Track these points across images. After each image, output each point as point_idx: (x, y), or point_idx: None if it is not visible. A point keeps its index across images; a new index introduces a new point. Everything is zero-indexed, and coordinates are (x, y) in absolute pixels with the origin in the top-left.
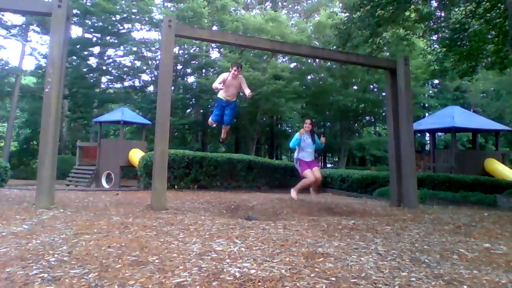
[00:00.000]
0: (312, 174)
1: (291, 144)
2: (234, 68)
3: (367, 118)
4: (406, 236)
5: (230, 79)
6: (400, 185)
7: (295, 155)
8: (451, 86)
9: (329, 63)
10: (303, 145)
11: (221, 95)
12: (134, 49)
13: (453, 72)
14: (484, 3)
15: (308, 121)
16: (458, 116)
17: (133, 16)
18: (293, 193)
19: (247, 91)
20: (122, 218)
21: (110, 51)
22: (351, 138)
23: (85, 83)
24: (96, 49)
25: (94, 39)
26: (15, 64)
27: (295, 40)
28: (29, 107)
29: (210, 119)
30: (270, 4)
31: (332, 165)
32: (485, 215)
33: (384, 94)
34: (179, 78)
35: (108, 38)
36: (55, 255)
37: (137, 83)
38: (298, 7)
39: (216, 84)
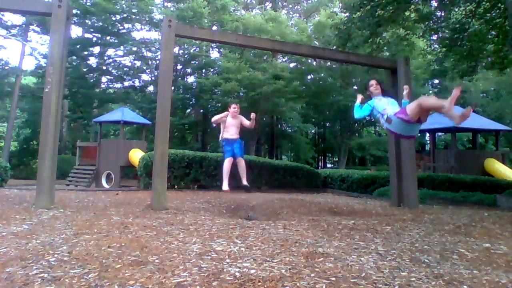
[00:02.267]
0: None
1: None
2: (233, 106)
3: (367, 118)
4: (406, 236)
5: (230, 120)
6: (400, 185)
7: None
8: (451, 86)
9: (329, 63)
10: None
11: (224, 136)
12: (134, 49)
13: (453, 72)
14: (484, 3)
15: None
16: None
17: (133, 16)
18: (224, 186)
19: (247, 122)
20: (122, 218)
21: (110, 51)
22: (351, 138)
23: (85, 83)
24: (96, 49)
25: (94, 39)
26: (15, 64)
27: (295, 40)
28: (29, 107)
29: (225, 161)
30: (270, 4)
31: (332, 165)
32: (485, 215)
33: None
34: (179, 78)
35: (108, 38)
36: (55, 255)
37: (137, 83)
38: (298, 7)
39: (215, 119)
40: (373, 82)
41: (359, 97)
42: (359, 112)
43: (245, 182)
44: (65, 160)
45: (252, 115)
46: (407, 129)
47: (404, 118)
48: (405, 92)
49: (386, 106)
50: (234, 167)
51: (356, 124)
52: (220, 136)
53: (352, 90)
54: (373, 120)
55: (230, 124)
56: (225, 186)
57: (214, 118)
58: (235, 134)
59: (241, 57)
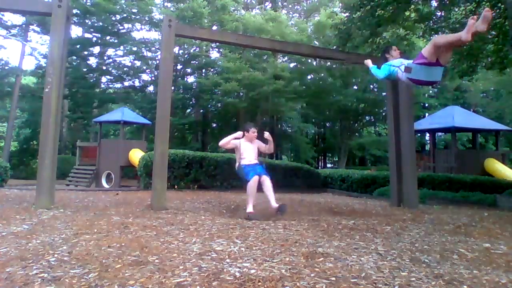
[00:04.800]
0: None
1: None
2: (252, 130)
3: (367, 118)
4: (406, 236)
5: (247, 145)
6: (400, 185)
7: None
8: (451, 86)
9: (329, 63)
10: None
11: (243, 163)
12: (134, 49)
13: (453, 72)
14: (484, 3)
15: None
16: (458, 116)
17: (133, 16)
18: (248, 208)
19: (266, 147)
20: (122, 218)
21: (110, 51)
22: (351, 138)
23: (85, 83)
24: (96, 49)
25: (94, 39)
26: (15, 64)
27: (295, 40)
28: (29, 107)
29: (251, 181)
30: (270, 4)
31: (332, 165)
32: (485, 215)
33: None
34: (179, 78)
35: (108, 38)
36: (55, 255)
37: (137, 83)
38: (298, 7)
39: (224, 142)
40: (396, 47)
41: (369, 61)
42: (379, 72)
43: (275, 204)
44: (65, 160)
45: (267, 135)
46: (428, 73)
47: (422, 62)
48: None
49: (402, 61)
50: (258, 187)
51: (356, 124)
52: (237, 166)
53: (352, 90)
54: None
55: (248, 149)
56: (250, 208)
57: (222, 142)
58: (255, 159)
59: (241, 57)
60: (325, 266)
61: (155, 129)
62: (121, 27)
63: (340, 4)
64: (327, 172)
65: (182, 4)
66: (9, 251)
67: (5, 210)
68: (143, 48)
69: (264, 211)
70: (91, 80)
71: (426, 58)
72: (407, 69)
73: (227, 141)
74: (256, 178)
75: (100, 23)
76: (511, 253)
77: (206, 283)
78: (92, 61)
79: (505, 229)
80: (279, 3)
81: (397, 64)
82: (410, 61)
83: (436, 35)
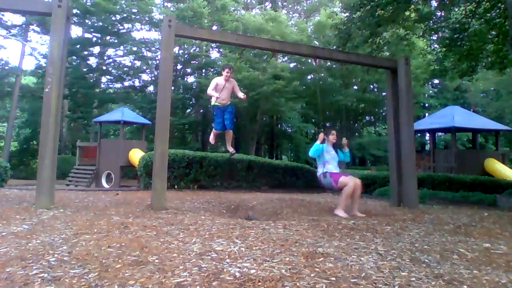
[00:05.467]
0: (350, 179)
1: (311, 153)
2: (226, 70)
3: (367, 118)
4: (406, 236)
5: (223, 83)
6: (400, 185)
7: (320, 170)
8: (451, 86)
9: (329, 63)
10: (327, 157)
11: (215, 102)
12: (134, 49)
13: (453, 72)
14: (484, 3)
15: (334, 132)
16: (458, 116)
17: (133, 16)
18: (341, 212)
19: (240, 94)
20: (122, 218)
21: (110, 51)
22: (351, 138)
23: (85, 83)
24: (96, 49)
25: (94, 39)
26: (15, 64)
27: (295, 40)
28: (29, 107)
29: (211, 135)
30: (270, 4)
31: None
32: (485, 215)
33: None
34: (179, 78)
35: (108, 38)
36: (55, 255)
37: (137, 83)
38: (298, 7)
39: (210, 91)
40: (334, 132)
41: (321, 137)
42: (315, 152)
43: (230, 148)
44: (65, 160)
45: (243, 95)
46: (330, 185)
47: (332, 183)
48: (344, 142)
49: (330, 160)
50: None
51: (356, 124)
52: (213, 100)
53: (352, 90)
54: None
55: (222, 87)
56: (212, 139)
57: (209, 91)
58: (227, 98)
59: (241, 57)
60: (325, 266)
61: (155, 129)
62: (121, 27)
63: (340, 4)
64: None
65: (182, 4)
66: (9, 251)
67: (5, 210)
68: (143, 48)
69: (264, 211)
70: (91, 80)
71: (337, 185)
72: (324, 174)
73: (212, 88)
74: (216, 133)
75: (100, 23)
76: (511, 253)
77: (206, 283)
78: (92, 61)
79: (505, 229)
80: (279, 3)
81: (326, 159)
82: (331, 170)
83: (435, 35)
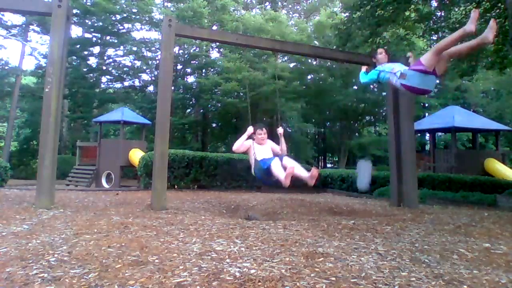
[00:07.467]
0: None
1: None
2: (258, 132)
3: (367, 117)
4: (406, 236)
5: (258, 147)
6: (400, 185)
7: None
8: (451, 86)
9: (329, 63)
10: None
11: (258, 159)
12: (134, 49)
13: (453, 72)
14: (484, 3)
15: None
16: (458, 116)
17: (133, 16)
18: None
19: (280, 148)
20: (122, 218)
21: (110, 51)
22: (351, 138)
23: (85, 83)
24: (96, 49)
25: (94, 39)
26: (15, 64)
27: (295, 40)
28: (29, 107)
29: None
30: (270, 4)
31: (332, 165)
32: (485, 215)
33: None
34: (179, 78)
35: (108, 38)
36: (55, 255)
37: (137, 83)
38: (298, 7)
39: (237, 147)
40: (382, 50)
41: (364, 67)
42: (365, 77)
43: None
44: (65, 160)
45: (280, 130)
46: (422, 82)
47: (420, 69)
48: (410, 59)
49: (393, 66)
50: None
51: (356, 124)
52: (252, 168)
53: (352, 90)
54: (373, 120)
55: (261, 149)
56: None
57: (235, 146)
58: (270, 154)
59: (241, 57)
60: (325, 266)
61: (155, 129)
62: (121, 27)
63: (340, 4)
64: (327, 172)
65: (182, 4)
66: (9, 251)
67: (5, 210)
68: (143, 48)
69: (264, 211)
70: (91, 80)
71: (424, 66)
72: (402, 75)
73: (239, 145)
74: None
75: (100, 23)
76: (511, 253)
77: (206, 283)
78: (92, 61)
79: (505, 229)
80: (279, 3)
81: (388, 69)
82: (406, 67)
83: (435, 35)
